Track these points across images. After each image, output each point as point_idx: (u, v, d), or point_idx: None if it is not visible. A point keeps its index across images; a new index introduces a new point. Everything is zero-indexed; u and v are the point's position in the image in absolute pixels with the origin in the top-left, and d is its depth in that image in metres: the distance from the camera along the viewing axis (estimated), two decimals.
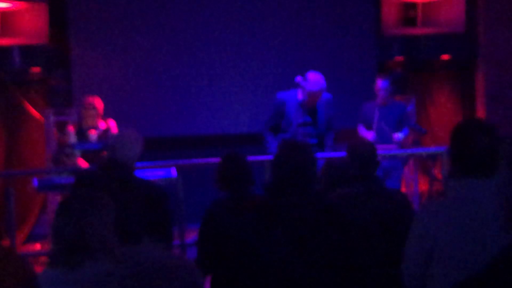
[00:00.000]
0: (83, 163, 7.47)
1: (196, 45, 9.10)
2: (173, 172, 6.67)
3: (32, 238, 8.71)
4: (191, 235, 6.95)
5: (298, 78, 6.88)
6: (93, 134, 7.49)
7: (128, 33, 8.97)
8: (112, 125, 7.61)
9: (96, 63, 8.88)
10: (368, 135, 7.66)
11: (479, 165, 2.93)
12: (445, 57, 9.84)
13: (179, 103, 9.06)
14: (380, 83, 7.81)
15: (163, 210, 3.93)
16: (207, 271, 4.15)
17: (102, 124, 7.56)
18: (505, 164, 2.43)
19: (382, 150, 6.24)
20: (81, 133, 7.52)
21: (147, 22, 9.02)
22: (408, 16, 9.37)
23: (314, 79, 6.78)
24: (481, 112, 9.55)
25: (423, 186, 9.60)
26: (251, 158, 4.92)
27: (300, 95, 6.88)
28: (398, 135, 7.66)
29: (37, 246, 8.44)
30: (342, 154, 4.43)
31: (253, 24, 9.17)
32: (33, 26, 8.54)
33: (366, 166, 4.09)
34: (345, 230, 3.62)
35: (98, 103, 7.51)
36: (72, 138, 7.53)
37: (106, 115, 7.70)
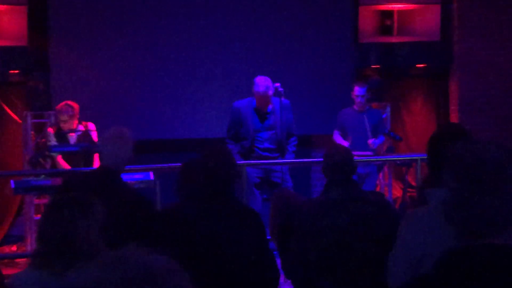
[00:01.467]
0: (64, 164, 7.44)
1: (176, 49, 9.09)
2: (151, 175, 6.66)
3: (8, 239, 8.65)
4: None
5: (277, 84, 6.93)
6: (72, 137, 7.46)
7: (108, 36, 8.94)
8: (91, 128, 7.59)
9: (75, 66, 8.84)
10: (344, 142, 7.69)
11: None
12: (421, 65, 9.92)
13: (159, 107, 9.04)
14: (357, 90, 7.85)
15: (148, 215, 3.93)
16: None
17: (80, 127, 7.54)
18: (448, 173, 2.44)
19: (357, 156, 6.29)
20: (60, 136, 7.49)
21: (127, 26, 8.99)
22: (385, 24, 9.44)
23: (260, 81, 6.88)
24: (455, 120, 9.63)
25: (397, 192, 9.67)
26: None
27: (254, 101, 7.01)
28: (373, 141, 7.71)
29: (14, 248, 8.38)
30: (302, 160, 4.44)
31: (232, 31, 9.18)
32: (13, 28, 8.50)
33: (343, 170, 4.11)
34: (325, 240, 3.64)
35: (75, 106, 7.48)
36: (51, 140, 7.50)
37: (85, 118, 7.68)
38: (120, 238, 3.52)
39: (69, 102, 7.51)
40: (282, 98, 7.00)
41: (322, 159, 4.28)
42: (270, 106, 6.96)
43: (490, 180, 1.99)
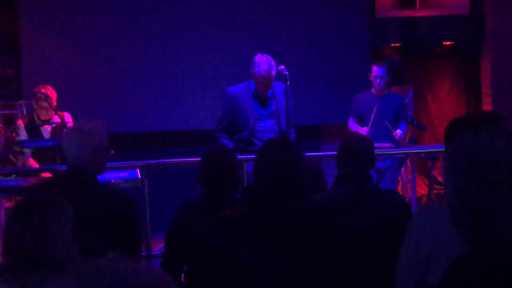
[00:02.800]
0: (34, 164, 7.38)
1: (164, 30, 9.05)
2: (137, 173, 6.62)
3: None
4: (158, 246, 6.88)
5: (281, 67, 6.83)
6: (46, 130, 7.40)
7: (86, 16, 8.89)
8: (68, 119, 7.52)
9: (49, 49, 8.80)
10: (362, 130, 7.61)
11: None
12: (447, 42, 9.86)
13: (145, 96, 9.00)
14: (376, 70, 7.78)
15: (129, 220, 3.87)
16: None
17: (56, 118, 7.46)
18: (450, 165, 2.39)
19: (376, 148, 6.21)
20: (32, 129, 7.42)
21: (108, 3, 8.94)
22: None
23: (261, 59, 6.73)
24: (487, 105, 9.58)
25: (421, 189, 9.62)
26: None
27: (252, 85, 6.84)
28: (399, 132, 7.60)
29: None
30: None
31: (227, 7, 9.13)
32: None
33: (360, 163, 4.07)
34: (335, 241, 3.59)
35: (51, 93, 7.41)
36: (22, 134, 7.45)
37: (61, 108, 7.61)
38: (96, 246, 3.47)
39: (48, 88, 7.44)
40: (281, 83, 6.90)
41: (334, 153, 4.25)
42: (270, 91, 6.87)
43: (504, 177, 1.91)
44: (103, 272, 1.56)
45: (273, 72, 6.71)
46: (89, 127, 3.94)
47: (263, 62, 6.68)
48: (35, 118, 7.43)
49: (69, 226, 2.96)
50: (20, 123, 7.55)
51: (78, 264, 1.83)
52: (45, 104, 7.30)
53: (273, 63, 6.72)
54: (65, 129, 4.62)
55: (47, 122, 7.40)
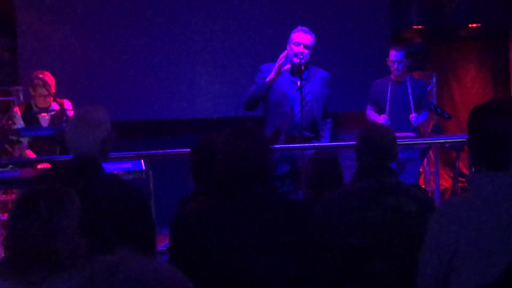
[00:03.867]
0: (31, 155, 7.42)
1: (169, 13, 9.05)
2: (141, 164, 6.65)
3: None
4: (164, 242, 6.91)
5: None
6: (44, 118, 7.42)
7: None
8: (68, 107, 7.55)
9: (47, 32, 8.81)
10: (380, 119, 7.63)
11: (502, 156, 2.93)
12: (474, 24, 9.84)
13: (149, 82, 9.01)
14: (393, 55, 7.77)
15: (141, 214, 3.89)
16: None
17: (55, 106, 7.49)
18: None
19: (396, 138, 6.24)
20: (30, 117, 7.44)
21: None
22: None
23: (301, 28, 6.80)
24: None
25: (445, 182, 9.63)
26: None
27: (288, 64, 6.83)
28: (416, 117, 7.62)
29: None
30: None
31: None
32: None
33: (381, 156, 4.07)
34: (314, 238, 3.61)
35: (49, 79, 7.43)
36: (19, 123, 7.47)
37: (60, 95, 7.64)
38: (105, 241, 3.52)
39: (46, 73, 7.46)
40: (321, 70, 6.96)
41: (353, 143, 4.24)
42: (306, 72, 6.88)
43: None
44: (116, 269, 1.58)
45: (310, 38, 6.76)
46: (97, 117, 3.97)
47: (302, 29, 6.78)
48: (33, 105, 7.45)
49: (77, 219, 2.97)
50: (17, 111, 7.56)
51: (87, 260, 1.89)
52: (43, 91, 7.31)
53: (312, 35, 6.78)
54: (69, 118, 4.63)
55: (46, 110, 7.42)
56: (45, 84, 7.28)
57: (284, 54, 6.59)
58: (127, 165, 6.67)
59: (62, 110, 7.39)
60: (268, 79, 6.65)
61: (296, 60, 6.62)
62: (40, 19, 8.82)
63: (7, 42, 9.02)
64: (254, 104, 6.77)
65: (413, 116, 7.57)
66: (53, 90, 7.37)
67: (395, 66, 7.72)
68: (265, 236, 3.45)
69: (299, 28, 6.80)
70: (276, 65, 6.57)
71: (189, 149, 4.60)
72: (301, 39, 6.72)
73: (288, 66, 6.63)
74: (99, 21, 8.93)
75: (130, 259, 1.64)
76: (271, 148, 3.71)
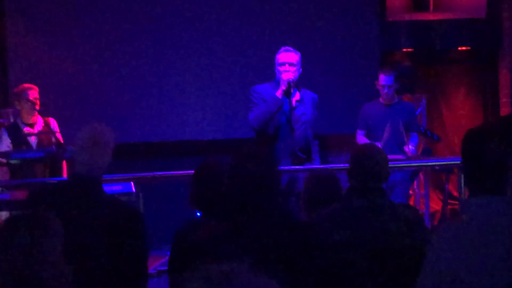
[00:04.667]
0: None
1: (164, 31, 9.07)
2: (132, 186, 6.64)
3: None
4: (154, 264, 6.89)
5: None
6: (32, 139, 7.38)
7: (80, 14, 8.91)
8: (54, 126, 7.51)
9: (38, 55, 8.82)
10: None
11: (497, 180, 2.94)
12: (463, 47, 9.89)
13: (140, 103, 9.02)
14: (383, 79, 7.78)
15: (136, 234, 3.89)
16: None
17: (40, 122, 7.44)
18: None
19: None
20: (19, 137, 7.39)
21: (100, 6, 8.97)
22: None
23: (284, 48, 6.83)
24: (506, 114, 9.60)
25: (435, 204, 9.64)
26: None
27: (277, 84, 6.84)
28: (411, 148, 7.60)
29: None
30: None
31: (235, 11, 9.16)
32: None
33: (373, 176, 4.07)
34: (325, 256, 3.61)
35: (35, 92, 7.40)
36: (4, 138, 7.42)
37: (51, 116, 7.64)
38: (100, 259, 3.52)
39: (31, 86, 7.43)
40: (309, 91, 6.97)
41: (342, 165, 4.25)
42: (299, 94, 6.89)
43: None
44: (231, 279, 1.62)
45: (294, 56, 6.76)
46: (110, 140, 4.01)
47: (286, 48, 6.79)
48: (19, 122, 7.44)
49: (61, 246, 2.96)
50: (4, 132, 7.51)
51: (207, 267, 1.92)
52: (28, 104, 7.31)
53: (297, 54, 6.79)
54: (80, 134, 4.58)
55: (31, 125, 7.39)
56: (29, 97, 7.28)
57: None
58: (117, 187, 6.65)
59: (50, 131, 7.38)
60: (279, 94, 6.63)
61: (284, 78, 6.65)
62: (31, 42, 8.83)
63: None
64: (269, 121, 6.70)
65: (409, 148, 7.55)
66: (38, 104, 7.35)
67: (385, 90, 7.73)
68: (271, 256, 3.47)
69: (282, 48, 6.83)
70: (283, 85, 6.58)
71: (180, 172, 4.60)
72: (285, 59, 6.74)
73: (283, 87, 6.64)
74: (90, 44, 8.94)
75: (246, 271, 1.68)
76: (279, 169, 3.72)
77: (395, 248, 3.90)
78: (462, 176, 6.55)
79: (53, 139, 7.25)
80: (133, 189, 6.60)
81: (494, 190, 2.94)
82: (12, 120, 8.22)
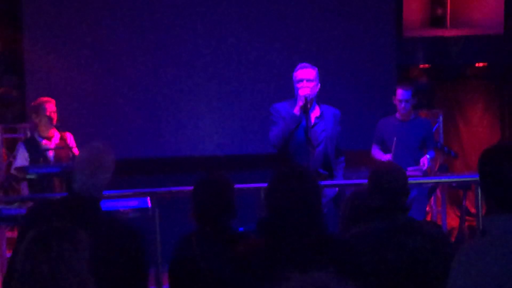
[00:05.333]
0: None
1: (175, 48, 9.08)
2: (148, 202, 6.63)
3: None
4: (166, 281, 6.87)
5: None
6: (49, 153, 7.40)
7: (93, 36, 8.93)
8: (71, 141, 7.54)
9: (54, 70, 8.83)
10: (384, 158, 7.61)
11: None
12: (480, 63, 9.86)
13: (155, 119, 9.02)
14: (400, 94, 7.76)
15: (137, 255, 3.89)
16: None
17: (57, 136, 7.46)
18: None
19: None
20: (34, 148, 7.39)
21: (113, 23, 9.00)
22: (435, 14, 9.40)
23: (301, 64, 6.82)
24: None
25: (452, 221, 9.58)
26: (242, 185, 4.81)
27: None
28: (426, 161, 7.57)
29: None
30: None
31: (247, 25, 9.17)
32: None
33: (394, 195, 4.05)
34: (365, 280, 3.59)
35: (51, 106, 7.43)
36: (24, 158, 7.44)
37: (67, 131, 7.66)
38: (108, 277, 3.51)
39: (49, 100, 7.47)
40: (332, 107, 6.96)
41: (360, 181, 4.22)
42: (319, 110, 6.88)
43: None
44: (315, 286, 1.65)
45: (311, 71, 6.75)
46: (109, 160, 4.02)
47: (302, 65, 6.79)
48: (36, 136, 7.46)
49: (86, 259, 2.99)
50: (23, 147, 7.52)
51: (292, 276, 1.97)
52: (45, 119, 7.33)
53: (314, 70, 6.78)
54: (76, 155, 4.60)
55: (49, 138, 7.40)
56: (46, 111, 7.31)
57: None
58: (133, 203, 6.65)
59: (67, 146, 7.40)
60: (296, 111, 6.62)
61: (301, 94, 6.64)
62: (47, 58, 8.85)
63: (15, 80, 9.05)
64: (288, 138, 6.69)
65: (424, 160, 7.51)
66: (55, 118, 7.37)
67: (402, 105, 7.70)
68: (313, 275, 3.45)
69: (299, 65, 6.83)
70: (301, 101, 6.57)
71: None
72: (302, 76, 6.74)
73: (300, 103, 6.62)
74: (106, 59, 8.96)
75: (328, 280, 1.71)
76: (320, 188, 3.71)
77: (423, 266, 3.87)
78: (479, 193, 6.56)
79: (71, 156, 7.26)
80: (149, 205, 6.59)
81: None
82: (29, 134, 8.24)
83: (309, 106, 6.62)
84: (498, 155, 3.07)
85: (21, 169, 7.11)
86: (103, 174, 3.97)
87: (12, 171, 7.37)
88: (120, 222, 4.17)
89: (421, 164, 7.48)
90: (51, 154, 7.42)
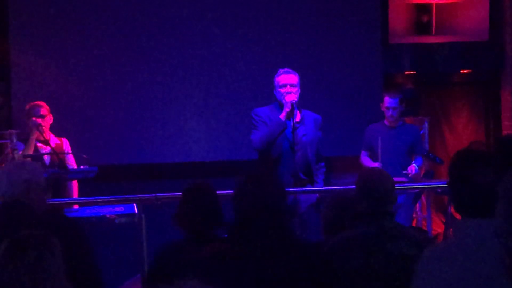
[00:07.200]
0: None
1: (165, 54, 9.06)
2: (134, 208, 6.61)
3: None
4: None
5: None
6: (44, 157, 7.35)
7: (83, 40, 8.89)
8: (66, 146, 7.52)
9: (41, 77, 8.80)
10: (373, 165, 7.61)
11: (486, 204, 2.92)
12: (465, 70, 9.88)
13: (142, 125, 8.98)
14: (387, 101, 7.76)
15: (83, 252, 3.91)
16: None
17: (53, 139, 7.44)
18: (504, 203, 2.45)
19: None
20: (35, 157, 7.35)
21: (101, 29, 8.98)
22: (421, 21, 9.42)
23: (283, 70, 6.83)
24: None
25: (437, 227, 9.59)
26: (230, 191, 4.81)
27: (278, 107, 6.83)
28: (414, 168, 7.57)
29: None
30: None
31: (233, 31, 9.15)
32: None
33: (381, 201, 4.04)
34: (335, 282, 3.59)
35: (42, 110, 7.38)
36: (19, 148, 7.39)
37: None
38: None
39: (42, 103, 7.45)
40: (312, 113, 6.96)
41: (347, 187, 4.22)
42: (299, 115, 6.87)
43: None
44: None
45: (294, 77, 6.75)
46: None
47: (285, 70, 6.79)
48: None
49: (62, 263, 2.99)
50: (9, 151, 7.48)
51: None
52: (39, 120, 7.30)
53: (296, 75, 6.78)
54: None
55: (44, 142, 7.37)
56: (38, 113, 7.28)
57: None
58: (120, 209, 6.64)
59: (61, 151, 7.36)
60: (282, 117, 6.62)
61: (288, 100, 6.63)
62: (34, 64, 8.82)
63: (1, 86, 9.01)
64: (272, 143, 6.68)
65: (412, 168, 7.52)
66: (46, 121, 7.34)
67: (390, 112, 7.71)
68: (279, 280, 3.46)
69: (281, 70, 6.84)
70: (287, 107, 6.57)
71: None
72: (286, 81, 6.74)
73: (287, 109, 6.62)
74: (93, 65, 8.94)
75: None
76: (286, 192, 3.73)
77: (408, 272, 3.87)
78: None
79: (62, 161, 7.20)
80: (136, 211, 6.58)
81: (484, 213, 2.92)
82: (15, 140, 8.19)
83: (294, 112, 6.64)
84: (468, 160, 3.07)
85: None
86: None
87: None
88: (58, 216, 4.27)
89: (408, 171, 7.50)
90: (46, 158, 7.39)
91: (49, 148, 7.30)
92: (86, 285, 3.80)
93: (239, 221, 3.59)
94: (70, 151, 7.47)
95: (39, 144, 7.38)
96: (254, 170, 3.88)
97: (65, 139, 7.57)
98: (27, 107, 7.48)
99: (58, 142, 7.48)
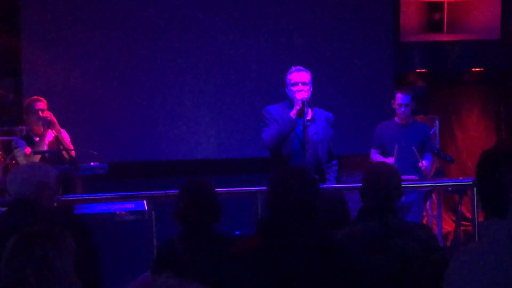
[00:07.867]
0: None
1: (173, 51, 9.06)
2: (144, 205, 6.61)
3: None
4: None
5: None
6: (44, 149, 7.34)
7: (92, 38, 8.91)
8: (66, 139, 7.49)
9: (51, 74, 8.82)
10: (386, 161, 7.58)
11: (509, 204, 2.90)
12: (477, 68, 9.85)
13: (152, 122, 9.00)
14: (400, 98, 7.71)
15: (86, 251, 3.91)
16: None
17: (50, 133, 7.42)
18: None
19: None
20: (31, 146, 7.34)
21: (111, 28, 8.99)
22: (433, 19, 9.39)
23: (295, 67, 6.79)
24: None
25: (448, 225, 9.57)
26: (239, 188, 4.79)
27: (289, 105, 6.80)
28: (426, 162, 7.56)
29: None
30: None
31: (244, 29, 9.15)
32: None
33: (386, 196, 4.03)
34: (357, 279, 3.58)
35: (41, 104, 7.37)
36: (21, 144, 7.39)
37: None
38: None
39: (40, 98, 7.43)
40: (324, 111, 6.94)
41: (355, 185, 4.22)
42: (311, 112, 6.85)
43: None
44: None
45: (305, 75, 6.72)
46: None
47: (296, 67, 6.76)
48: (31, 135, 7.42)
49: (71, 260, 2.98)
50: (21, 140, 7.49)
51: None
52: (35, 116, 7.28)
53: (308, 72, 6.75)
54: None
55: (42, 136, 7.34)
56: (36, 107, 7.27)
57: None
58: (130, 206, 6.64)
59: (64, 147, 7.34)
60: (293, 114, 6.59)
61: (298, 97, 6.60)
62: (45, 61, 8.84)
63: (12, 83, 9.03)
64: (282, 141, 6.66)
65: (423, 163, 7.50)
66: (44, 115, 7.32)
67: (402, 109, 7.66)
68: (311, 275, 3.46)
69: (293, 68, 6.79)
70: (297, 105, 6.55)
71: None
72: (297, 79, 6.70)
73: (297, 107, 6.59)
74: (103, 63, 8.96)
75: (170, 281, 1.70)
76: (320, 189, 3.72)
77: (411, 269, 3.85)
78: (475, 198, 6.53)
79: (66, 154, 7.19)
80: (146, 207, 6.58)
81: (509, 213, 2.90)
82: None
83: (305, 109, 6.61)
84: (495, 158, 3.04)
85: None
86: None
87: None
88: (67, 216, 4.32)
89: (420, 165, 7.47)
90: (46, 155, 7.37)
91: (46, 142, 7.28)
92: (85, 283, 3.82)
93: (273, 217, 3.58)
94: (68, 140, 7.42)
95: (36, 139, 7.35)
96: (290, 167, 3.88)
97: (64, 131, 7.49)
98: (27, 101, 7.47)
99: (53, 136, 7.43)
